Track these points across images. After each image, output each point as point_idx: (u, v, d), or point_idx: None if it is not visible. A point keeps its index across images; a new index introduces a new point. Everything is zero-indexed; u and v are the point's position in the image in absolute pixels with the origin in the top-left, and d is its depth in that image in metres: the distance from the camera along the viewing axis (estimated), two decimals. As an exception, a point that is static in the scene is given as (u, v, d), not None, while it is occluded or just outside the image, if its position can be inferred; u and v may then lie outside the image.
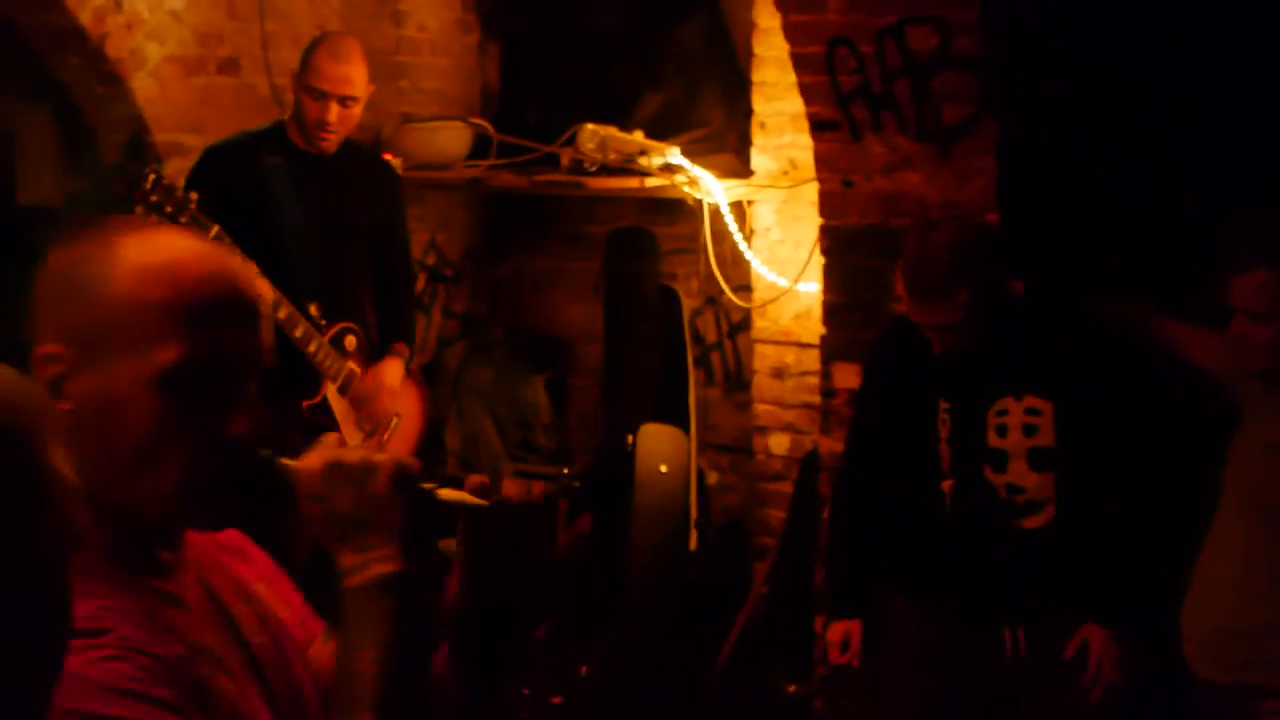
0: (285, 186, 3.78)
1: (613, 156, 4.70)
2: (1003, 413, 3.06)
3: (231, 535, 1.58)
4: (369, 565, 1.39)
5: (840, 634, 3.30)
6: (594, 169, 4.75)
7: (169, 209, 3.47)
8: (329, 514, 1.40)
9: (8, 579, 0.91)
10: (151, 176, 3.47)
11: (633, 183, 4.77)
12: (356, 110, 3.79)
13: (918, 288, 2.98)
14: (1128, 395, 3.04)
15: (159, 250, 1.38)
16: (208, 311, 1.36)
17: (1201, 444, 2.97)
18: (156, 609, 1.35)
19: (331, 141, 3.80)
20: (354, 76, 3.74)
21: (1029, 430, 3.04)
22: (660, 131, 4.89)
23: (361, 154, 4.07)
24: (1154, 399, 3.07)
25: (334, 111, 3.73)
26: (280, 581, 1.62)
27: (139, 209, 3.50)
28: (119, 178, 4.72)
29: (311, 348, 3.76)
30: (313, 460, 1.42)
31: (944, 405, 3.13)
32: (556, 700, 4.60)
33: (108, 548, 1.33)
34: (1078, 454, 3.02)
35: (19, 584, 0.92)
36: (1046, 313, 3.13)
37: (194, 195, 3.51)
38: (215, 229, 3.52)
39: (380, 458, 1.41)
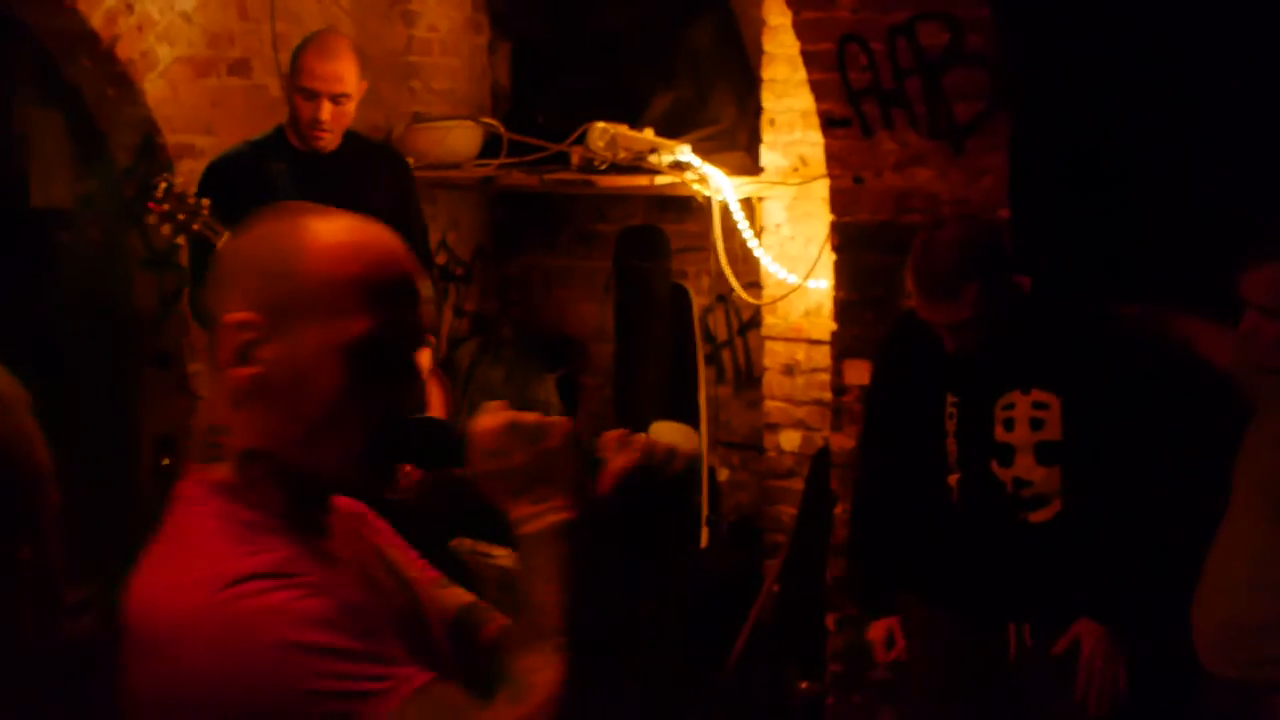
0: (293, 191, 3.78)
1: (623, 155, 4.70)
2: (1010, 406, 3.06)
3: (351, 503, 1.67)
4: (544, 514, 1.47)
5: (883, 631, 3.32)
6: (604, 167, 4.75)
7: (182, 216, 3.48)
8: (506, 469, 1.48)
9: None
10: (163, 185, 3.48)
11: (643, 181, 4.76)
12: (350, 107, 3.80)
13: (926, 285, 2.98)
14: (1135, 389, 3.04)
15: (348, 231, 1.52)
16: (390, 289, 1.49)
17: (1210, 439, 2.97)
18: (325, 566, 1.47)
19: (327, 140, 3.80)
20: (344, 73, 3.75)
21: (1036, 424, 3.04)
22: (671, 130, 4.89)
23: (368, 147, 4.07)
24: (1162, 393, 3.07)
25: (327, 110, 3.73)
26: (401, 545, 1.74)
27: (152, 218, 3.51)
28: (130, 180, 4.74)
29: None
30: (489, 421, 1.50)
31: (951, 399, 3.13)
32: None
33: (285, 509, 1.47)
34: (1085, 448, 3.03)
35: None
36: (1054, 307, 3.14)
37: (206, 201, 3.51)
38: (227, 235, 3.53)
39: (554, 419, 1.52)
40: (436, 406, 4.22)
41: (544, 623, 1.42)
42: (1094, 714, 3.02)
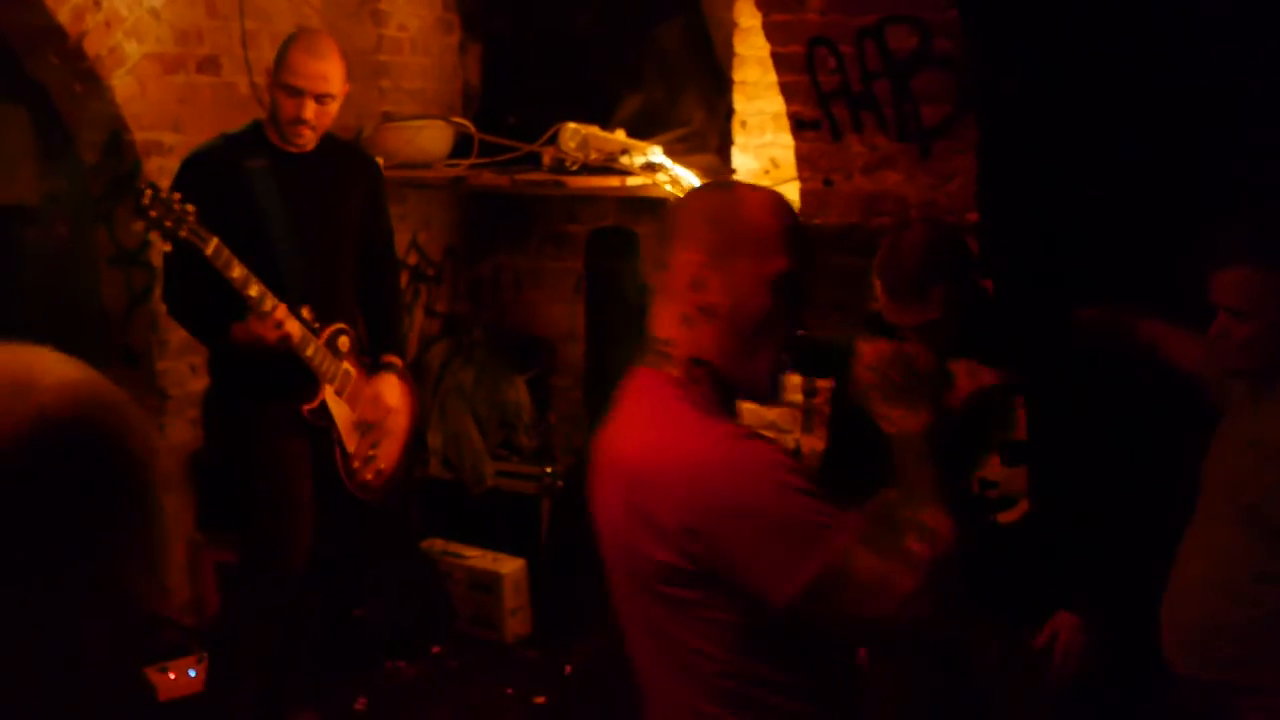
0: (270, 189, 3.76)
1: (594, 156, 4.70)
2: None
3: None
4: (911, 418, 2.05)
5: None
6: (575, 168, 4.75)
7: (168, 223, 3.46)
8: (885, 380, 2.09)
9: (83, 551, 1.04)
10: (149, 192, 3.45)
11: (614, 182, 4.76)
12: (333, 108, 3.77)
13: (893, 287, 2.99)
14: (1099, 391, 3.05)
15: (770, 195, 2.00)
16: (800, 237, 1.96)
17: (1175, 441, 2.98)
18: None
19: (308, 139, 3.77)
20: (330, 74, 3.73)
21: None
22: (642, 131, 4.89)
23: (342, 148, 4.05)
24: (1126, 394, 3.09)
25: (310, 109, 3.71)
26: None
27: (138, 225, 3.50)
28: (98, 177, 4.72)
29: (309, 351, 3.75)
30: (874, 344, 2.13)
31: None
32: (539, 700, 4.60)
33: (718, 403, 1.93)
34: (1050, 448, 3.04)
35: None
36: (1018, 309, 3.14)
37: (191, 208, 3.49)
38: (214, 241, 3.51)
39: (920, 348, 2.17)
40: (404, 407, 4.21)
41: (922, 493, 1.96)
42: (1073, 711, 3.03)
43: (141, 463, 1.07)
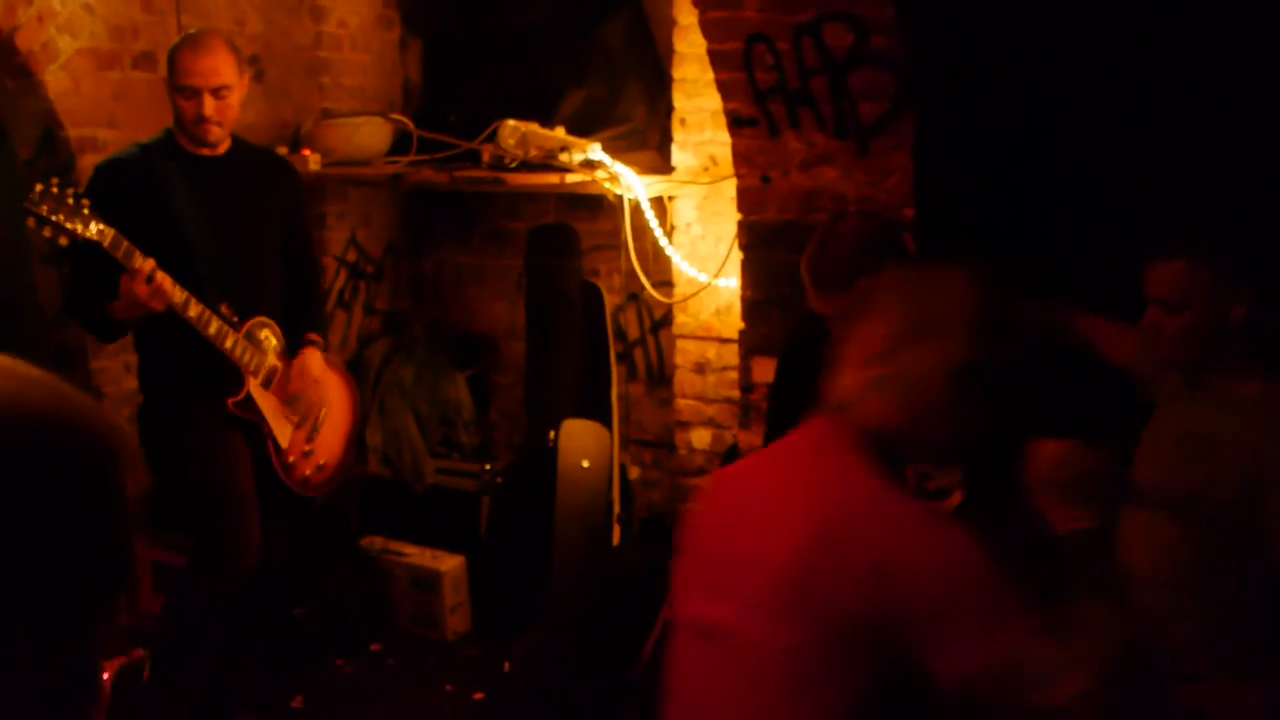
0: (183, 190, 3.76)
1: (534, 153, 4.69)
2: None
3: None
4: (1084, 519, 2.19)
5: None
6: (515, 165, 4.74)
7: (59, 216, 3.42)
8: (1058, 483, 2.22)
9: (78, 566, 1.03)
10: (39, 187, 3.42)
11: (554, 179, 4.76)
12: (233, 99, 3.78)
13: (819, 277, 3.01)
14: (1031, 381, 3.08)
15: (965, 279, 1.99)
16: (993, 329, 1.95)
17: (1108, 433, 3.02)
18: None
19: (215, 135, 3.79)
20: (220, 67, 3.74)
21: None
22: (583, 128, 4.89)
23: (257, 154, 4.06)
24: (1059, 386, 3.12)
25: (210, 105, 3.72)
26: None
27: (30, 221, 3.44)
28: (32, 174, 4.65)
29: (228, 344, 3.74)
30: (1048, 446, 2.26)
31: None
32: (478, 696, 4.60)
33: (885, 466, 1.96)
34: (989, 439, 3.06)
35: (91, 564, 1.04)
36: None
37: (86, 202, 3.46)
38: (112, 233, 3.48)
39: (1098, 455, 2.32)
40: (344, 405, 4.19)
41: (1096, 591, 2.11)
42: None
43: (110, 457, 1.06)
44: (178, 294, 3.59)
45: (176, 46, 3.78)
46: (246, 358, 3.81)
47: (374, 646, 4.98)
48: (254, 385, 3.85)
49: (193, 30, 3.97)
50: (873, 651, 1.83)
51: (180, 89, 3.73)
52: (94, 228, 3.45)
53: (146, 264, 3.52)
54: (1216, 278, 2.68)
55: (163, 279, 3.54)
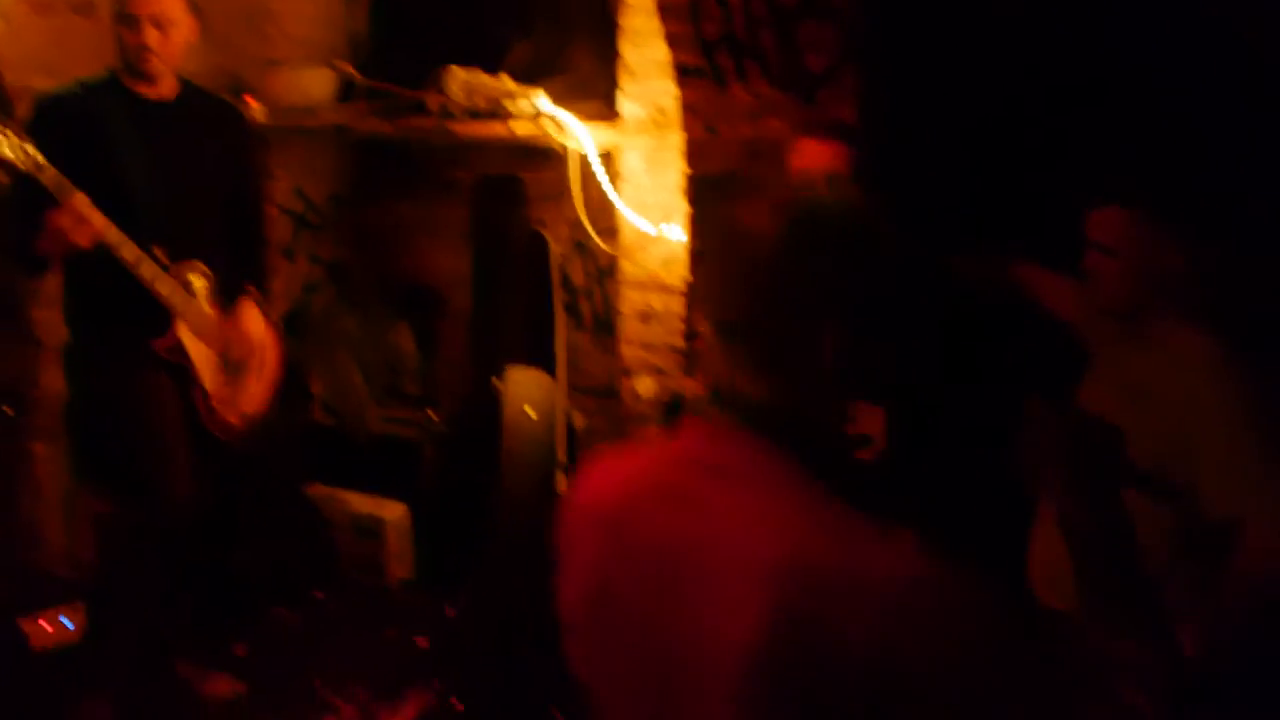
0: (124, 130, 3.71)
1: (480, 101, 4.67)
2: None
3: None
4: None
5: None
6: (460, 114, 4.72)
7: None
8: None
9: None
10: None
11: (501, 130, 4.74)
12: (176, 35, 3.72)
13: None
14: (966, 331, 3.12)
15: None
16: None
17: (1044, 384, 3.07)
18: None
19: (156, 68, 3.73)
20: None
21: None
22: (532, 77, 4.87)
23: (205, 98, 4.00)
24: (994, 336, 3.16)
25: (152, 35, 3.67)
26: None
27: None
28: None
29: (158, 285, 3.72)
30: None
31: None
32: (422, 642, 4.62)
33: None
34: (908, 387, 3.11)
35: None
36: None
37: (10, 130, 3.41)
38: (46, 164, 3.43)
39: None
40: (272, 357, 4.17)
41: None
42: None
43: None
44: (111, 233, 3.56)
45: None
46: (175, 299, 3.79)
47: (317, 594, 4.99)
48: (183, 330, 3.83)
49: None
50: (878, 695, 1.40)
51: (121, 18, 3.67)
52: (27, 158, 3.41)
53: (76, 197, 3.48)
54: (1153, 224, 2.73)
55: (92, 214, 3.50)
